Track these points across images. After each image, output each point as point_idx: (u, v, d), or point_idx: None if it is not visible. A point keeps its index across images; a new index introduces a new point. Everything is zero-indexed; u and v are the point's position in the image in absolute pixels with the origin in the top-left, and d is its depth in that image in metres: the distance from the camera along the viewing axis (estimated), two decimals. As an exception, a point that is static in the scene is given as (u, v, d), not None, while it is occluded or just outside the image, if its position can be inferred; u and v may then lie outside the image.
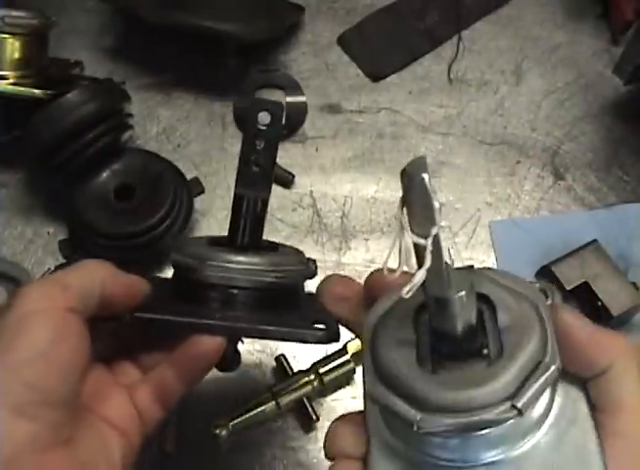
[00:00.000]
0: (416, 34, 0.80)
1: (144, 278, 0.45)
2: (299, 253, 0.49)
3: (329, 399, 0.62)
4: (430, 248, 0.30)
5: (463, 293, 0.31)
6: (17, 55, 0.66)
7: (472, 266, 0.37)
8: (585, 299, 0.65)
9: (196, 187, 0.70)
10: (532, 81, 0.79)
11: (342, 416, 0.39)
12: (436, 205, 0.30)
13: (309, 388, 0.60)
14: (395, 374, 0.33)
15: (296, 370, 0.62)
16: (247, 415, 0.59)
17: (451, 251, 0.72)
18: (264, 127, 0.46)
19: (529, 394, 0.31)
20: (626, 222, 0.70)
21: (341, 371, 0.62)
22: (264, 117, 0.45)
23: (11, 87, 0.65)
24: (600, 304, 0.63)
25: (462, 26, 0.80)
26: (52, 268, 0.66)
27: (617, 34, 0.79)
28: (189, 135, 0.75)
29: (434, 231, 0.30)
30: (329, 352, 0.63)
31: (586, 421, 0.34)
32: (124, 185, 0.67)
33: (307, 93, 0.77)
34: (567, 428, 0.33)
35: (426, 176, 0.30)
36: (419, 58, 0.79)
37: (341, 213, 0.72)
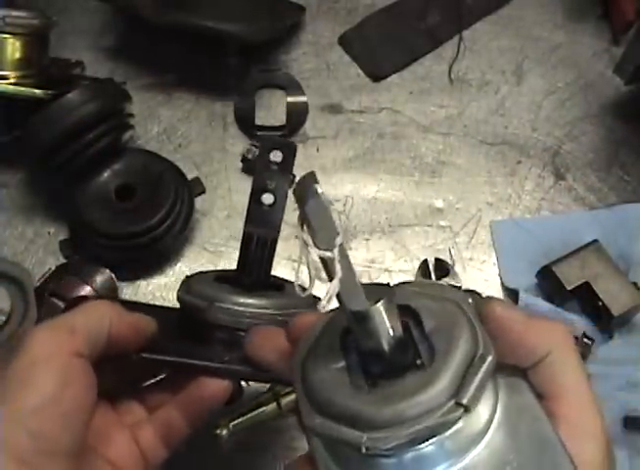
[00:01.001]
0: (417, 34, 0.80)
1: (151, 311, 0.45)
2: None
3: (329, 399, 0.62)
4: (337, 258, 0.30)
5: (380, 304, 0.31)
6: (17, 55, 0.66)
7: (388, 284, 0.37)
8: (586, 299, 0.65)
9: (196, 187, 0.70)
10: (533, 81, 0.79)
11: (298, 458, 0.39)
12: (335, 216, 0.30)
13: (310, 388, 0.60)
14: (332, 401, 0.31)
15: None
16: (248, 415, 0.59)
17: (452, 251, 0.73)
18: (276, 167, 0.45)
19: (472, 388, 0.30)
20: (627, 222, 0.70)
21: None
22: (276, 155, 0.45)
23: (11, 87, 0.65)
24: (601, 303, 0.63)
25: (463, 26, 0.80)
26: (53, 268, 0.66)
27: (618, 34, 0.79)
28: (190, 135, 0.75)
29: (338, 241, 0.30)
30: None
31: (535, 408, 0.33)
32: (125, 185, 0.67)
33: (308, 93, 0.77)
34: (517, 420, 0.32)
35: (319, 189, 0.30)
36: (420, 58, 0.79)
37: (341, 213, 0.71)
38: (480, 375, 0.30)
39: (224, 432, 0.58)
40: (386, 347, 0.31)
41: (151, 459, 0.45)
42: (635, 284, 0.64)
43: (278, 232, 0.46)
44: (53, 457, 0.36)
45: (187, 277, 0.49)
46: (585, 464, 0.32)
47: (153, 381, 0.47)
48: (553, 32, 0.81)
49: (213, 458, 0.60)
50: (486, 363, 0.31)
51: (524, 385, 0.34)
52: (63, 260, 0.68)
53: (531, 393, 0.34)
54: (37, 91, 0.64)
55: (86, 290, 0.64)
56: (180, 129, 0.75)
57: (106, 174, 0.67)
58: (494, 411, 0.32)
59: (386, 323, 0.31)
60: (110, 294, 0.65)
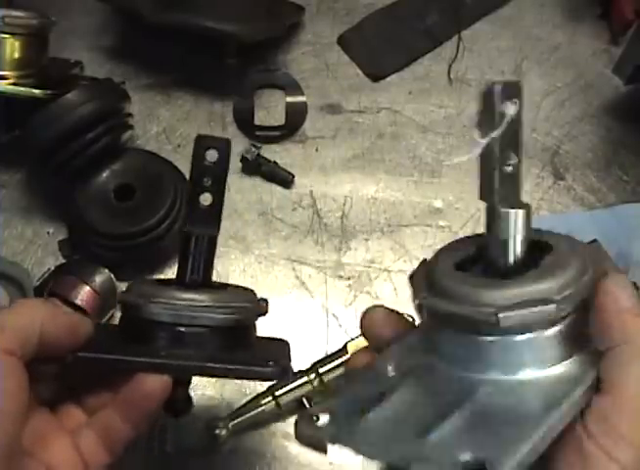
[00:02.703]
0: (416, 34, 0.80)
1: (88, 320, 0.44)
2: (250, 291, 0.48)
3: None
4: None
5: (514, 210, 0.37)
6: (17, 55, 0.66)
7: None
8: (585, 299, 0.65)
9: (196, 187, 0.70)
10: (532, 81, 0.78)
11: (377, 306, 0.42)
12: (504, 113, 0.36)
13: (309, 388, 0.60)
14: (463, 290, 0.37)
15: (295, 370, 0.61)
16: (247, 415, 0.59)
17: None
18: (211, 164, 0.45)
19: (514, 313, 0.34)
20: (626, 222, 0.70)
21: (341, 371, 0.62)
22: (212, 154, 0.45)
23: (11, 87, 0.65)
24: (600, 304, 0.63)
25: (462, 27, 0.80)
26: (52, 268, 0.66)
27: (618, 35, 0.79)
28: (189, 135, 0.75)
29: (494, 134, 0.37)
30: (329, 352, 0.63)
31: (577, 393, 0.34)
32: (124, 185, 0.67)
33: (307, 93, 0.77)
34: (557, 387, 0.35)
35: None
36: (419, 58, 0.79)
37: (341, 213, 0.71)
38: (531, 310, 0.35)
39: (223, 432, 0.58)
40: (512, 248, 0.37)
41: (92, 464, 0.43)
42: (635, 284, 0.64)
43: (217, 231, 0.46)
44: None
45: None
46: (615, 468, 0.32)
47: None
48: (552, 32, 0.81)
49: (213, 458, 0.60)
50: (546, 308, 0.35)
51: (593, 371, 0.35)
52: (62, 260, 0.68)
53: (591, 381, 0.35)
54: (36, 91, 0.64)
55: (85, 290, 0.63)
56: (179, 129, 0.75)
57: (105, 174, 0.67)
58: (558, 361, 0.36)
59: (514, 228, 0.37)
60: (109, 294, 0.65)
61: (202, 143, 0.45)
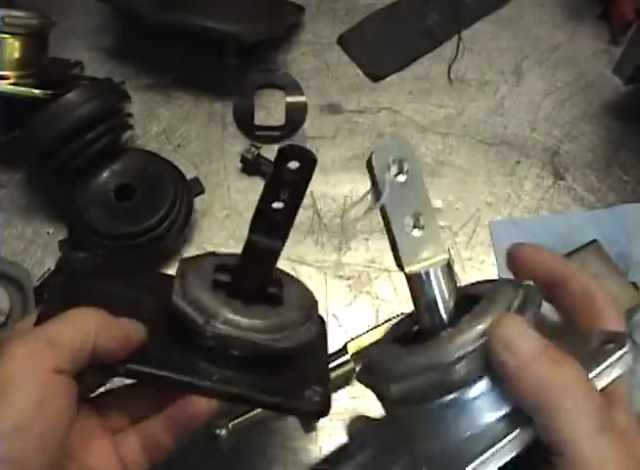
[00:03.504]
0: (416, 34, 0.80)
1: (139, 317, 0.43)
2: (308, 300, 0.47)
3: (329, 399, 0.62)
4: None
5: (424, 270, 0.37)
6: (17, 55, 0.66)
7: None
8: (585, 299, 0.65)
9: (196, 187, 0.70)
10: (532, 81, 0.79)
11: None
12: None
13: (309, 388, 0.60)
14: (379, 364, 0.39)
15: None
16: (247, 415, 0.59)
17: (451, 251, 0.73)
18: (292, 174, 0.41)
19: (404, 384, 0.36)
20: (626, 222, 0.70)
21: (340, 371, 0.61)
22: (293, 165, 0.41)
23: (11, 87, 0.65)
24: (600, 304, 0.63)
25: (462, 27, 0.80)
26: (52, 268, 0.66)
27: (618, 34, 0.79)
28: (189, 135, 0.75)
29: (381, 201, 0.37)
30: (329, 352, 0.63)
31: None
32: (124, 185, 0.67)
33: (307, 93, 0.77)
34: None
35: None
36: (419, 58, 0.79)
37: (341, 213, 0.72)
38: None
39: (224, 432, 0.58)
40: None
41: None
42: (634, 284, 0.64)
43: (283, 244, 0.44)
44: None
45: (183, 262, 0.46)
46: None
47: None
48: (552, 32, 0.81)
49: (213, 458, 0.60)
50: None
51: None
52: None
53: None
54: (36, 91, 0.65)
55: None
56: (179, 129, 0.75)
57: (105, 174, 0.67)
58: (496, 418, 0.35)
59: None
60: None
61: (286, 151, 0.41)
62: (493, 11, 0.82)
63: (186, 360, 0.43)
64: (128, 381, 0.44)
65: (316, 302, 0.47)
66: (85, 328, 0.39)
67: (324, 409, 0.43)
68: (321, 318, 0.50)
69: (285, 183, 0.41)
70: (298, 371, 0.45)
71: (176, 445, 0.44)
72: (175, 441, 0.44)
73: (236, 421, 0.58)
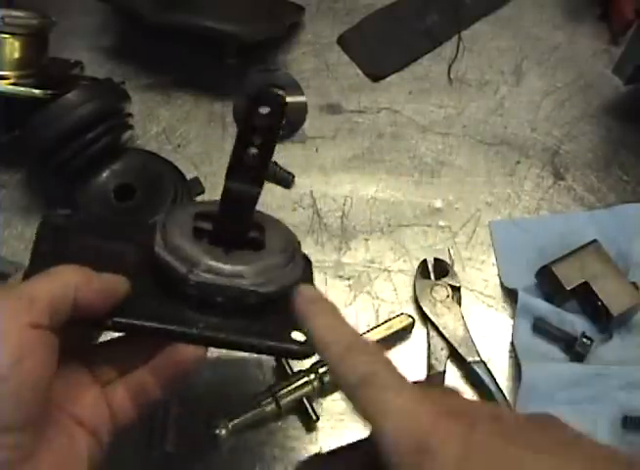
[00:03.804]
0: (416, 34, 0.80)
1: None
2: (291, 241, 0.47)
3: (329, 398, 0.62)
4: None
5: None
6: (17, 55, 0.66)
7: None
8: (585, 299, 0.65)
9: (196, 187, 0.70)
10: (532, 81, 0.79)
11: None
12: None
13: (309, 388, 0.60)
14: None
15: (296, 370, 0.61)
16: (247, 415, 0.59)
17: (451, 251, 0.73)
18: (263, 121, 0.43)
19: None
20: (626, 222, 0.70)
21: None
22: (263, 110, 0.43)
23: (11, 87, 0.65)
24: (600, 303, 0.63)
25: (462, 27, 0.80)
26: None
27: (618, 35, 0.80)
28: (189, 135, 0.75)
29: None
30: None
31: None
32: (124, 185, 0.67)
33: (307, 93, 0.77)
34: None
35: None
36: (419, 58, 0.80)
37: (341, 213, 0.71)
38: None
39: (223, 432, 0.58)
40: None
41: (119, 419, 0.44)
42: (634, 284, 0.64)
43: (260, 189, 0.45)
44: (6, 433, 0.36)
45: (164, 213, 0.47)
46: None
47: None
48: (552, 33, 0.81)
49: (213, 458, 0.60)
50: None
51: None
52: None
53: None
54: (36, 91, 0.65)
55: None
56: (179, 129, 0.75)
57: (105, 174, 0.67)
58: None
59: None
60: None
61: (256, 95, 0.43)
62: (493, 11, 0.82)
63: (171, 310, 0.43)
64: (116, 334, 0.45)
65: (299, 242, 0.48)
66: (65, 283, 0.39)
67: (310, 349, 0.43)
68: (306, 257, 0.50)
69: (257, 128, 0.43)
70: (284, 313, 0.44)
71: (164, 393, 0.45)
72: (163, 390, 0.44)
73: (236, 421, 0.58)
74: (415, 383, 0.35)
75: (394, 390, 0.32)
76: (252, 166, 0.44)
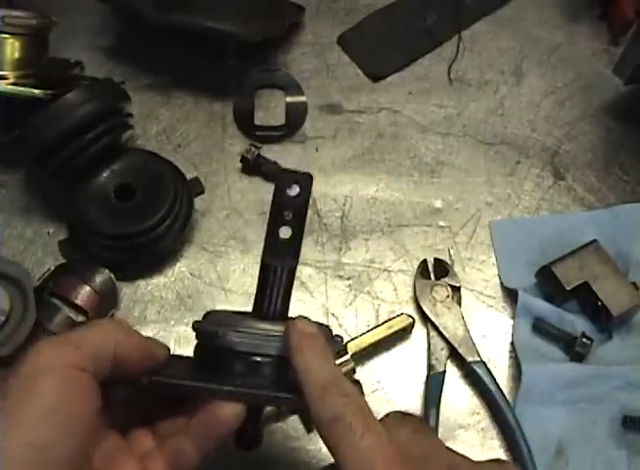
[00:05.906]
0: (416, 34, 0.80)
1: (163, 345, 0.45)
2: (326, 327, 0.47)
3: (329, 399, 0.62)
4: None
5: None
6: (17, 55, 0.66)
7: None
8: (585, 299, 0.65)
9: (196, 187, 0.70)
10: (532, 81, 0.79)
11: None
12: None
13: (309, 388, 0.60)
14: None
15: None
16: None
17: (451, 251, 0.73)
18: (293, 198, 0.46)
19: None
20: (626, 222, 0.70)
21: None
22: (294, 189, 0.46)
23: (11, 87, 0.65)
24: (600, 303, 0.63)
25: (462, 27, 0.80)
26: (52, 268, 0.66)
27: (617, 35, 0.79)
28: (189, 135, 0.75)
29: None
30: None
31: None
32: (124, 185, 0.67)
33: (307, 93, 0.77)
34: None
35: None
36: (419, 58, 0.80)
37: (341, 213, 0.72)
38: None
39: (224, 432, 0.58)
40: None
41: None
42: (634, 284, 0.64)
43: (296, 263, 0.46)
44: (53, 466, 0.37)
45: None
46: None
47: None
48: (552, 33, 0.81)
49: (213, 458, 0.60)
50: None
51: None
52: (62, 260, 0.68)
53: None
54: (36, 91, 0.64)
55: (85, 290, 0.63)
56: (179, 129, 0.75)
57: (105, 174, 0.67)
58: None
59: None
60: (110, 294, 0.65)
61: (285, 177, 0.46)
62: (493, 11, 0.82)
63: (210, 374, 0.43)
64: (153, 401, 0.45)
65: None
66: (107, 335, 0.41)
67: None
68: (340, 337, 0.50)
69: (288, 204, 0.46)
70: None
71: (202, 457, 0.44)
72: (200, 453, 0.43)
73: (236, 421, 0.58)
74: (394, 415, 0.41)
75: (359, 433, 0.37)
76: (286, 240, 0.46)
